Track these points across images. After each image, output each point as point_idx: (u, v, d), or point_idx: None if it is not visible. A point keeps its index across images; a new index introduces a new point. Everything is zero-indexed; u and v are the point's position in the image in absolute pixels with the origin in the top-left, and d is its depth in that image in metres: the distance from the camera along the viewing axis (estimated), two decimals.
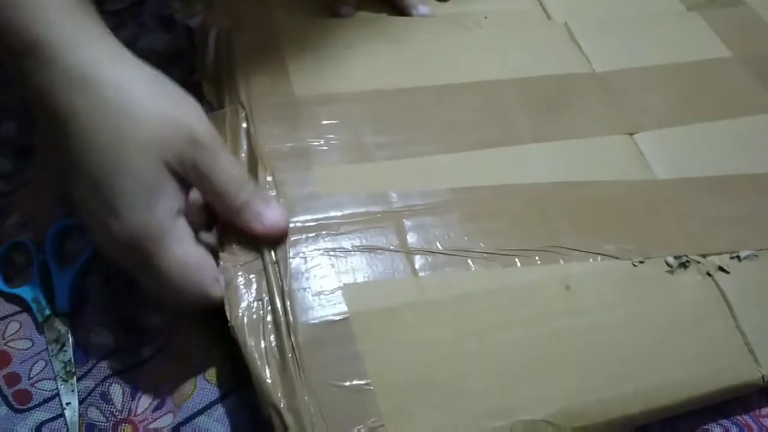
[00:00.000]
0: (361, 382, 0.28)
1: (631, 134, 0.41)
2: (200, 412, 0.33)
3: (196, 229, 0.32)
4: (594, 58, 0.44)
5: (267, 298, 0.30)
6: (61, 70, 0.28)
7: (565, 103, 0.41)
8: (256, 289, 0.31)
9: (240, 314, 0.30)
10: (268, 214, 0.31)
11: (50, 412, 0.35)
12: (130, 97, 0.29)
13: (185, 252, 0.30)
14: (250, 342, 0.29)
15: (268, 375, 0.28)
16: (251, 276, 0.31)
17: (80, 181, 0.29)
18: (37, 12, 0.28)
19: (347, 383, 0.28)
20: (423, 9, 0.44)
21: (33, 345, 0.37)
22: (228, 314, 0.30)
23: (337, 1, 0.43)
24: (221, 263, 0.31)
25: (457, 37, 0.43)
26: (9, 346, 0.37)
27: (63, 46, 0.28)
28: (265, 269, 0.31)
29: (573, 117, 0.40)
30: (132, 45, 0.49)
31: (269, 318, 0.30)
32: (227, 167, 0.31)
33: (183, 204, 0.30)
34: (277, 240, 0.32)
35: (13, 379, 0.36)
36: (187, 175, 0.30)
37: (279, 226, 0.32)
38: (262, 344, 0.29)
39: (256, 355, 0.29)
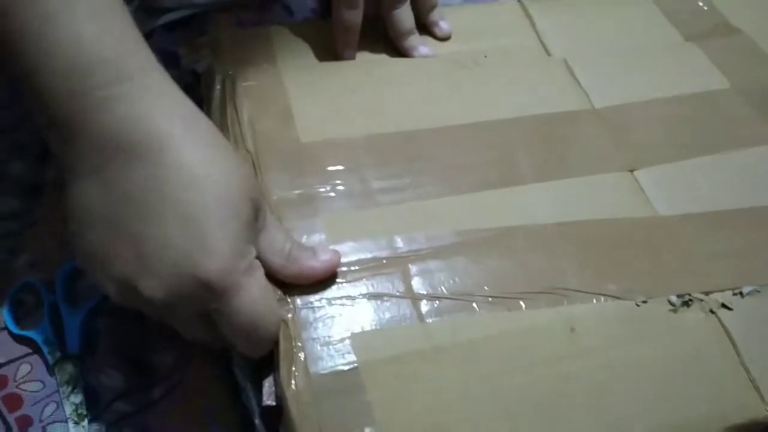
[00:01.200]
0: None
1: (631, 171, 0.41)
2: None
3: None
4: (593, 94, 0.44)
5: (284, 344, 0.31)
6: (163, 98, 0.29)
7: (565, 141, 0.41)
8: (287, 330, 0.31)
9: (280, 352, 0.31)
10: (320, 256, 0.32)
11: None
12: (219, 134, 0.31)
13: (268, 285, 0.31)
14: (285, 381, 0.30)
15: (296, 416, 0.29)
16: (286, 316, 0.32)
17: (157, 219, 0.28)
18: (133, 48, 0.29)
19: None
20: (424, 50, 0.45)
21: (44, 387, 0.38)
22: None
23: (339, 45, 0.44)
24: None
25: (458, 76, 0.43)
26: (20, 389, 0.38)
27: (161, 78, 0.30)
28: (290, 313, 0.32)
29: (574, 155, 0.41)
30: None
31: (294, 362, 0.30)
32: (277, 220, 0.33)
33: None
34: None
35: (25, 421, 0.37)
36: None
37: (334, 262, 0.33)
38: (292, 386, 0.30)
39: (288, 395, 0.30)
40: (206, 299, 0.29)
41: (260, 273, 0.31)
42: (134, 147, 0.28)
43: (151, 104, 0.28)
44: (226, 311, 0.29)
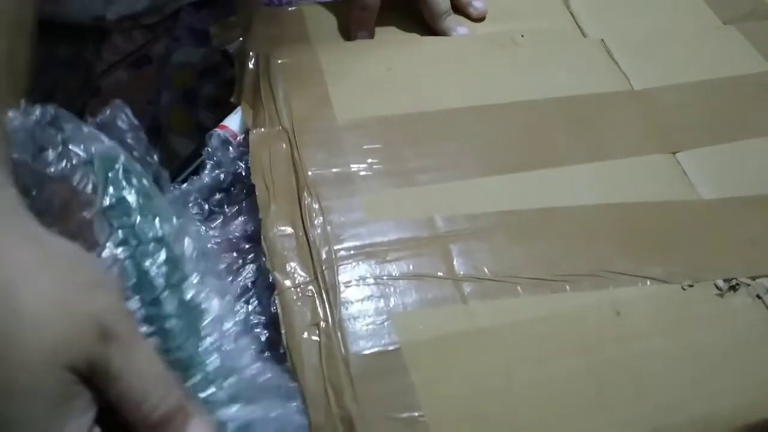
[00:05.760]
0: (415, 414, 0.28)
1: (673, 153, 0.40)
2: None
3: None
4: (632, 76, 0.43)
5: (323, 324, 0.30)
6: None
7: (605, 123, 0.40)
8: (312, 313, 0.30)
9: (297, 338, 0.29)
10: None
11: None
12: (19, 289, 0.23)
13: None
14: (308, 368, 0.29)
15: (325, 403, 0.28)
16: (307, 298, 0.31)
17: None
18: None
19: (401, 415, 0.28)
20: (462, 30, 0.44)
21: None
22: (284, 336, 0.30)
23: (354, 25, 0.43)
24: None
25: (496, 56, 0.42)
26: None
27: None
28: (319, 294, 0.31)
29: (614, 136, 0.40)
30: (166, 59, 0.50)
31: (324, 345, 0.29)
32: (145, 366, 0.25)
33: (94, 415, 0.24)
34: None
35: None
36: (97, 377, 0.24)
37: None
38: (319, 371, 0.29)
39: (314, 383, 0.29)
40: None
41: None
42: None
43: None
44: None
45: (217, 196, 0.37)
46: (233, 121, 0.39)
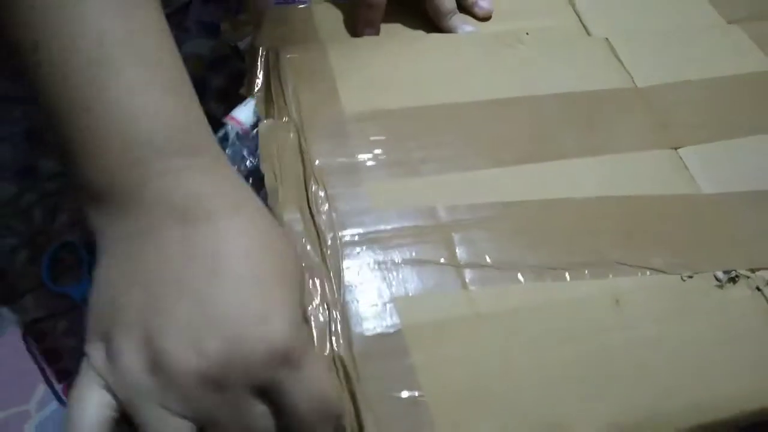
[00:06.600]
0: (415, 393, 0.29)
1: (675, 149, 0.41)
2: None
3: None
4: (636, 74, 0.44)
5: (327, 305, 0.31)
6: (220, 177, 0.29)
7: (609, 118, 0.41)
8: (319, 295, 0.31)
9: (308, 318, 0.30)
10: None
11: None
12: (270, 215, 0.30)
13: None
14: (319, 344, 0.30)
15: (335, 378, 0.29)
16: (315, 281, 0.32)
17: (217, 286, 0.26)
18: (198, 125, 0.30)
19: (402, 394, 0.29)
20: (467, 28, 0.45)
21: (82, 342, 0.38)
22: None
23: (360, 23, 0.44)
24: None
25: (501, 53, 0.43)
26: (59, 343, 0.39)
27: (218, 156, 0.30)
28: (326, 277, 0.32)
29: (617, 132, 0.40)
30: None
31: (329, 326, 0.30)
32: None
33: None
34: None
35: (63, 375, 0.38)
36: None
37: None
38: (326, 351, 0.30)
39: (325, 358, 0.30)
40: (272, 364, 0.26)
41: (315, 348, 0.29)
42: (199, 213, 0.28)
43: (210, 180, 0.29)
44: (293, 379, 0.26)
45: None
46: (242, 113, 0.40)
